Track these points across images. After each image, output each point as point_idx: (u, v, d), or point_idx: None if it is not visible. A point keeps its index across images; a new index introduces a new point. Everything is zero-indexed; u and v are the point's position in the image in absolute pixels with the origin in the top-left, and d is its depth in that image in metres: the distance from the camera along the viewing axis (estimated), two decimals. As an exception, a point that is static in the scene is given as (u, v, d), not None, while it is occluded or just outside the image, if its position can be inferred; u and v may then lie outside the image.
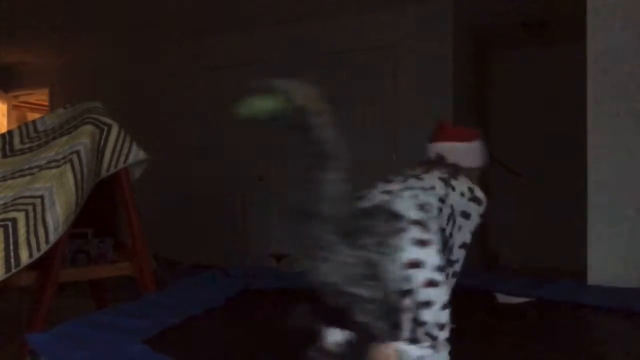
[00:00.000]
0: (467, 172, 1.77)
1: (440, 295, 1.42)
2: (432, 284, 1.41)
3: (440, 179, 1.65)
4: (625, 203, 2.81)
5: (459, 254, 1.69)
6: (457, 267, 1.70)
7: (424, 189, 1.58)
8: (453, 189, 1.65)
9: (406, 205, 1.49)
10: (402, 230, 1.44)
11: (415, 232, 1.44)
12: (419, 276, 1.41)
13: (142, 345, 1.67)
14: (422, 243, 1.43)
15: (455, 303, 1.80)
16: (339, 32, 4.97)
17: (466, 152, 1.81)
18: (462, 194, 1.66)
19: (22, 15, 4.90)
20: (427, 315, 1.40)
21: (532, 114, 5.38)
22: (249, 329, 2.02)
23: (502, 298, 2.42)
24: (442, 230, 1.59)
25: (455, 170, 1.73)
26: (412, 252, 1.42)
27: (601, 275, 2.75)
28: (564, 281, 2.64)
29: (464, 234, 1.67)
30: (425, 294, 1.41)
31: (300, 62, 5.18)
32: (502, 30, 5.23)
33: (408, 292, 1.41)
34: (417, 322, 1.41)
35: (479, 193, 1.71)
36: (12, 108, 7.58)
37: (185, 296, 2.29)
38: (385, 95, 4.79)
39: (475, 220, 1.68)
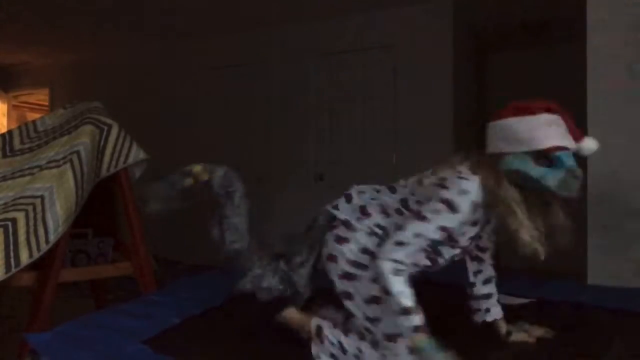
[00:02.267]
0: (491, 161, 1.51)
1: (360, 288, 1.53)
2: (346, 276, 1.56)
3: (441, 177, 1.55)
4: (625, 203, 2.81)
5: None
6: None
7: (392, 189, 1.69)
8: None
9: (345, 208, 1.69)
10: (333, 228, 1.66)
11: (339, 231, 1.63)
12: (333, 269, 1.60)
13: (141, 346, 1.67)
14: (340, 240, 1.61)
15: (455, 303, 1.80)
16: (339, 32, 4.97)
17: (491, 134, 1.57)
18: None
19: (22, 16, 4.90)
20: (350, 306, 1.56)
21: (532, 114, 5.38)
22: (248, 329, 2.02)
23: (503, 299, 2.41)
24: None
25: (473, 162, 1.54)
26: (330, 248, 1.63)
27: (601, 275, 2.75)
28: (564, 281, 2.64)
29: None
30: (342, 285, 1.57)
31: (300, 62, 5.18)
32: (502, 30, 5.23)
33: (331, 282, 1.61)
34: (349, 312, 1.58)
35: (454, 176, 1.49)
36: (12, 108, 7.59)
37: (184, 296, 2.29)
38: (385, 95, 4.80)
39: (432, 202, 1.47)
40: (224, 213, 1.92)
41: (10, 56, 6.65)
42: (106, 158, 2.69)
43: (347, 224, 1.63)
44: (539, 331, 1.80)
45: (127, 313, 2.01)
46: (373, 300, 1.50)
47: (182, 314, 2.06)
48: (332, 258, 1.60)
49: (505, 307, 1.89)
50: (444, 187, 1.47)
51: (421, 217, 1.45)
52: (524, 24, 4.96)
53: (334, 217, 1.67)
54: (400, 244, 1.43)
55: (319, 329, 1.60)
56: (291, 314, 1.76)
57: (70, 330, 1.78)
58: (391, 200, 1.63)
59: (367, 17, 4.82)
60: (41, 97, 7.41)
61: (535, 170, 1.44)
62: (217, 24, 5.27)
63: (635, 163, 2.80)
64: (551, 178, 1.44)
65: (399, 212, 1.58)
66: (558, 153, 1.43)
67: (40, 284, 2.45)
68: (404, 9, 4.65)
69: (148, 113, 5.97)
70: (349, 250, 1.57)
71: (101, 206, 2.87)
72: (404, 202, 1.60)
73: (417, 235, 1.43)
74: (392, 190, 1.67)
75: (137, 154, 2.81)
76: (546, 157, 1.43)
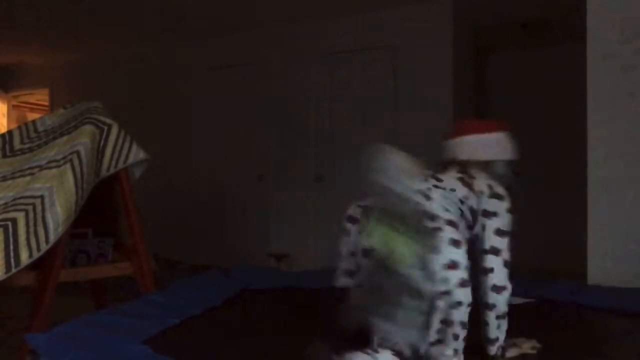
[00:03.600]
0: (483, 167, 1.69)
1: (468, 295, 1.45)
2: (464, 284, 1.44)
3: (459, 179, 1.62)
4: (625, 203, 2.81)
5: (489, 260, 1.58)
6: (492, 277, 1.57)
7: (445, 189, 1.59)
8: (470, 187, 1.60)
9: (438, 205, 1.52)
10: (437, 230, 1.46)
11: (450, 232, 1.47)
12: (455, 276, 1.44)
13: (141, 346, 1.67)
14: (456, 243, 1.46)
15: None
16: (339, 32, 4.97)
17: (477, 145, 1.71)
18: (482, 192, 1.61)
19: (22, 16, 4.90)
20: (456, 315, 1.44)
21: (532, 114, 5.38)
22: (249, 329, 2.02)
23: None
24: (469, 229, 1.59)
25: (467, 167, 1.67)
26: (449, 253, 1.45)
27: (601, 275, 2.75)
28: (563, 281, 2.64)
29: (489, 235, 1.58)
30: (458, 294, 1.43)
31: (300, 62, 5.18)
32: (502, 30, 5.23)
33: (445, 293, 1.43)
34: (447, 323, 1.44)
35: (499, 189, 1.63)
36: (12, 108, 7.59)
37: (185, 296, 2.29)
38: (385, 95, 4.79)
39: (502, 217, 1.59)
40: None
41: (10, 56, 6.65)
42: (106, 158, 2.69)
43: (454, 225, 1.51)
44: (527, 344, 1.68)
45: (127, 313, 2.01)
46: (471, 305, 1.49)
47: (182, 314, 2.06)
48: (453, 265, 1.44)
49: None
50: (501, 198, 1.62)
51: (505, 234, 1.60)
52: (524, 24, 4.95)
53: (427, 215, 1.52)
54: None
55: None
56: None
57: (69, 330, 1.78)
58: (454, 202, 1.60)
59: (367, 17, 4.81)
60: (41, 97, 7.41)
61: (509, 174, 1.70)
62: (217, 24, 5.27)
63: (636, 163, 2.80)
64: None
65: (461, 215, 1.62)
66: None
67: (40, 284, 2.45)
68: (404, 9, 4.64)
69: (148, 113, 5.97)
70: (464, 254, 1.47)
71: (101, 206, 2.87)
72: (461, 202, 1.61)
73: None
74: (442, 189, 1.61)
75: (137, 154, 2.81)
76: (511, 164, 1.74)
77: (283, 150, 5.26)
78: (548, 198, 5.17)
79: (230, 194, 5.54)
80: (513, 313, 2.00)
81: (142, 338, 1.75)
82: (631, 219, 2.79)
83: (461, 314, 1.44)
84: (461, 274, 1.44)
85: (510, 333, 1.64)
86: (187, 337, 1.87)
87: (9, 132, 2.79)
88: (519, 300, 2.37)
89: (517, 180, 1.80)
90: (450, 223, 1.49)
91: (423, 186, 1.56)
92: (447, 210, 1.53)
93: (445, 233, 1.46)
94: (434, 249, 1.44)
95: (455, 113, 4.52)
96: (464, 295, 1.44)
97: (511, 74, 5.52)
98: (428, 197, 1.54)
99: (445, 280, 1.43)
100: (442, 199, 1.55)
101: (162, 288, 2.54)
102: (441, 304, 1.43)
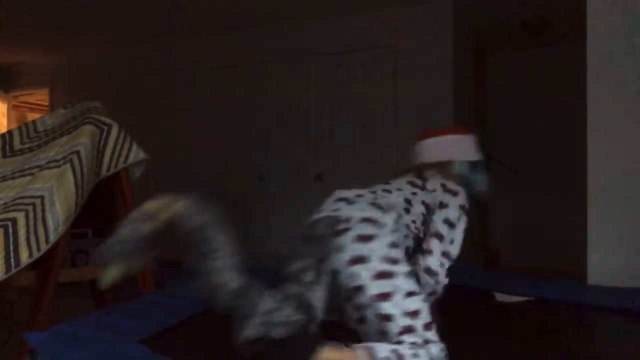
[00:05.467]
0: (439, 168, 1.83)
1: (398, 284, 1.43)
2: (382, 275, 1.43)
3: (408, 181, 1.77)
4: (625, 203, 2.81)
5: (430, 243, 1.69)
6: (429, 259, 1.70)
7: (387, 191, 1.69)
8: (422, 187, 1.74)
9: (357, 207, 1.55)
10: (344, 231, 1.49)
11: (358, 230, 1.48)
12: (364, 271, 1.44)
13: (141, 345, 1.67)
14: (364, 239, 1.47)
15: (454, 301, 1.80)
16: (339, 32, 4.97)
17: (429, 148, 1.88)
18: (434, 190, 1.75)
19: (22, 15, 4.90)
20: (388, 307, 1.41)
21: (532, 113, 5.38)
22: (248, 329, 2.02)
23: (500, 297, 2.42)
24: (413, 222, 1.66)
25: (421, 170, 1.83)
26: (353, 250, 1.46)
27: (601, 275, 2.75)
28: (563, 281, 2.64)
29: (436, 221, 1.72)
30: (378, 286, 1.42)
31: (300, 62, 5.18)
32: (502, 30, 5.23)
33: (358, 289, 1.44)
34: (382, 317, 1.41)
35: (452, 186, 1.78)
36: (12, 108, 7.58)
37: (184, 296, 2.29)
38: (385, 95, 4.80)
39: (452, 209, 1.73)
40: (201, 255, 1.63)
41: (10, 56, 6.65)
42: (106, 158, 2.69)
43: (370, 221, 1.51)
44: None
45: (126, 313, 2.01)
46: (412, 293, 1.43)
47: (182, 314, 2.06)
48: (359, 260, 1.45)
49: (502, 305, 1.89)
50: (454, 194, 1.74)
51: (454, 226, 1.71)
52: (524, 24, 4.96)
53: (338, 221, 1.52)
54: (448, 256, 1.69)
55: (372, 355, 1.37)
56: (330, 355, 1.38)
57: (68, 330, 1.78)
58: (396, 200, 1.65)
59: (367, 17, 4.82)
60: (41, 97, 7.40)
61: (474, 175, 1.86)
62: (217, 24, 5.27)
63: (636, 163, 2.80)
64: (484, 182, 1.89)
65: (407, 211, 1.65)
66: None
67: (40, 284, 2.45)
68: (404, 9, 4.64)
69: (148, 113, 5.97)
70: (379, 247, 1.46)
71: (101, 206, 2.87)
72: (407, 202, 1.67)
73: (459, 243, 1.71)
74: (386, 192, 1.70)
75: (137, 154, 2.81)
76: (477, 165, 1.87)
77: (283, 150, 5.26)
78: (548, 197, 5.17)
79: (230, 194, 5.54)
80: (511, 311, 2.00)
81: (142, 338, 1.75)
82: (631, 219, 2.79)
83: (398, 304, 1.41)
84: (375, 266, 1.43)
85: (509, 331, 1.64)
86: (187, 337, 1.87)
87: (9, 132, 2.79)
88: (517, 299, 2.38)
89: (490, 179, 1.94)
90: (365, 220, 1.50)
91: (353, 193, 1.65)
92: (376, 207, 1.55)
93: (352, 231, 1.48)
94: (338, 249, 1.47)
95: (455, 113, 4.52)
96: (388, 285, 1.42)
97: (511, 74, 5.52)
98: (350, 202, 1.59)
99: (353, 275, 1.44)
100: (370, 199, 1.61)
101: (162, 288, 2.54)
102: (363, 299, 1.44)
